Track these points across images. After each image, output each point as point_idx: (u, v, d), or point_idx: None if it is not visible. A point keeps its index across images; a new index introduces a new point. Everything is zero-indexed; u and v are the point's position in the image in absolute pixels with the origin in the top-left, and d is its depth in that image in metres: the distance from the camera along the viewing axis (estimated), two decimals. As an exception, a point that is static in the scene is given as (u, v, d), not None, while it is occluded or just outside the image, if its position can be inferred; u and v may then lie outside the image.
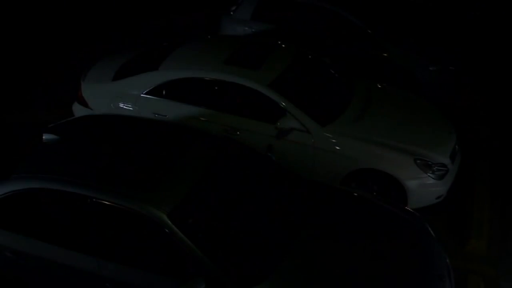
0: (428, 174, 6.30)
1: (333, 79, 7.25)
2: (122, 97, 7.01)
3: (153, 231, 4.56)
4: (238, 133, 6.61)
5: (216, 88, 6.69)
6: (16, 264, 5.15)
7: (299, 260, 4.68)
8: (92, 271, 4.85)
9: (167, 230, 4.51)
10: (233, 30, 9.37)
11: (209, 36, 7.94)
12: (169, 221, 4.51)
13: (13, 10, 11.56)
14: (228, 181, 5.13)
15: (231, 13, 9.53)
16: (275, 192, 5.28)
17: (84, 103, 7.22)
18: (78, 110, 7.29)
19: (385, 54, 8.53)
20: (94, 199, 4.72)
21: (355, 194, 5.57)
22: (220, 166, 5.13)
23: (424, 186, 6.32)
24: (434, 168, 6.33)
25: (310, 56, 7.35)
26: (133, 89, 6.97)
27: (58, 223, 4.92)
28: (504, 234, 6.60)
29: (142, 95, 6.93)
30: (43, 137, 5.41)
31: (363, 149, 6.33)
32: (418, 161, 6.29)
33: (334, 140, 6.41)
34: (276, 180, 5.42)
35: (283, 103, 6.46)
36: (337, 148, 6.38)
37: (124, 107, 7.01)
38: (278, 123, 6.39)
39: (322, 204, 5.31)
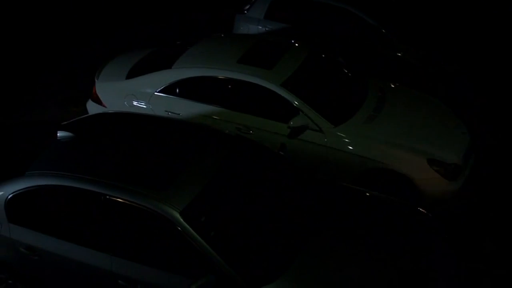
0: (441, 174, 6.27)
1: (346, 79, 7.24)
2: (135, 95, 7.05)
3: (165, 229, 4.59)
4: (251, 131, 6.63)
5: (229, 86, 6.71)
6: (29, 259, 5.20)
7: (311, 260, 4.69)
8: (105, 268, 4.89)
9: (179, 228, 4.54)
10: (246, 29, 9.38)
11: (222, 35, 7.95)
12: (181, 219, 4.54)
13: (23, 7, 11.64)
14: (241, 180, 5.14)
15: (245, 12, 9.54)
16: (288, 191, 5.29)
17: (98, 101, 7.27)
18: (92, 108, 7.35)
19: (399, 54, 8.49)
20: (107, 197, 4.75)
21: (367, 193, 5.56)
22: (233, 165, 5.15)
23: (436, 186, 6.30)
24: (447, 168, 6.30)
25: (323, 55, 7.34)
26: (146, 87, 7.01)
27: (71, 220, 4.96)
28: (518, 235, 6.57)
29: (155, 93, 6.96)
30: (58, 134, 5.45)
31: (376, 148, 6.32)
32: (431, 161, 6.26)
33: (346, 140, 6.40)
34: (288, 179, 5.43)
35: (296, 102, 6.46)
36: (350, 147, 6.38)
37: (138, 105, 7.05)
38: (291, 122, 6.39)
39: (334, 203, 5.31)
